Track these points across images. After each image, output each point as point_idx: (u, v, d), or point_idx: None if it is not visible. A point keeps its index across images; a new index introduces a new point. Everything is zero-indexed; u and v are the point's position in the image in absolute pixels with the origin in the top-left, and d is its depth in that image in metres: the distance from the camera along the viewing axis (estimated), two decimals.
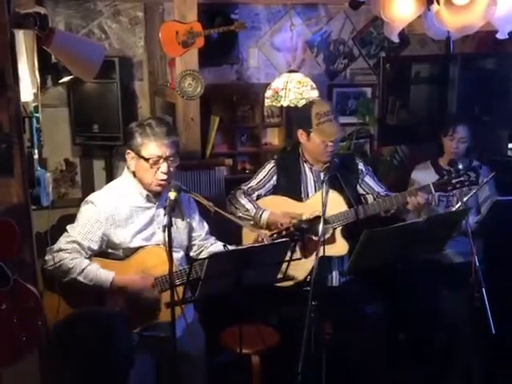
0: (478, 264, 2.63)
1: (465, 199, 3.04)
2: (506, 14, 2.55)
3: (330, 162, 2.89)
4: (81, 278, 2.37)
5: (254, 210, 2.90)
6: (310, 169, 2.97)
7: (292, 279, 2.80)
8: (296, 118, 3.19)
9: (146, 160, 2.40)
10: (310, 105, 3.01)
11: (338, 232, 2.84)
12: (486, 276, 2.63)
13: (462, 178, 2.76)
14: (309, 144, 2.91)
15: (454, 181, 2.77)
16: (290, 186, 2.97)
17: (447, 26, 2.64)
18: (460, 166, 2.82)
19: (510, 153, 4.61)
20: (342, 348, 2.91)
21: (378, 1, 2.81)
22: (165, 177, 2.43)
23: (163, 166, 2.41)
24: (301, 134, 2.94)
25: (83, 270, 2.38)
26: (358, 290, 3.02)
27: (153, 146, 2.40)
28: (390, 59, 4.46)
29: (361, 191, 2.99)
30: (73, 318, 1.57)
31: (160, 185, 2.45)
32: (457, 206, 3.02)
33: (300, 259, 2.71)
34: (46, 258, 2.41)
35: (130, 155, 2.47)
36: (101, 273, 2.39)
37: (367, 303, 3.06)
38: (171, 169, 2.45)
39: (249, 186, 3.02)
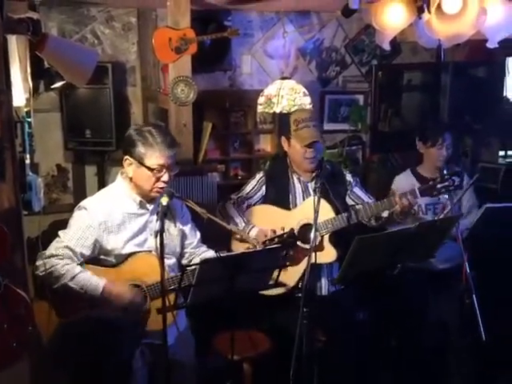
0: (468, 270, 2.64)
1: (449, 207, 3.06)
2: (496, 23, 2.58)
3: (319, 169, 2.89)
4: (72, 284, 2.35)
5: (243, 225, 2.91)
6: (299, 179, 2.99)
7: (284, 286, 2.81)
8: (280, 126, 3.23)
9: (150, 169, 2.41)
10: (291, 112, 3.09)
11: (326, 239, 2.85)
12: (476, 282, 2.65)
13: (446, 183, 2.78)
14: (290, 151, 2.95)
15: (439, 186, 2.79)
16: (278, 196, 2.98)
17: (438, 35, 2.66)
18: (444, 171, 2.84)
19: (500, 160, 4.65)
20: (334, 355, 2.91)
21: (370, 9, 2.84)
22: (165, 185, 2.45)
23: (165, 176, 2.42)
24: (283, 141, 2.98)
25: (75, 276, 2.36)
26: (349, 298, 3.02)
27: (157, 156, 2.40)
28: (382, 67, 4.49)
29: (350, 202, 3.00)
30: (79, 320, 1.54)
31: (159, 192, 2.46)
32: (445, 212, 3.04)
33: (291, 265, 2.72)
34: (38, 263, 2.39)
35: (129, 161, 2.46)
36: (92, 280, 2.37)
37: (358, 310, 3.06)
38: (171, 177, 2.47)
39: (239, 195, 3.04)
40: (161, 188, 2.45)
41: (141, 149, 2.40)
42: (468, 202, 3.32)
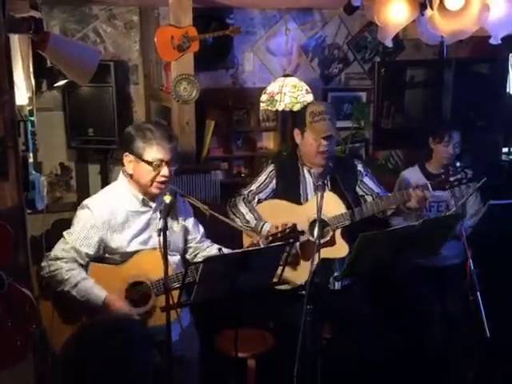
0: (472, 267, 2.64)
1: (458, 204, 3.06)
2: (499, 20, 2.56)
3: (325, 166, 2.89)
4: (73, 293, 2.36)
5: (255, 222, 2.89)
6: (309, 171, 2.97)
7: (287, 283, 2.81)
8: (293, 119, 3.20)
9: (149, 163, 2.41)
10: (306, 105, 3.06)
11: (337, 234, 2.84)
12: (480, 279, 2.64)
13: (459, 176, 2.76)
14: (303, 143, 2.92)
15: (451, 178, 2.77)
16: (289, 189, 2.96)
17: (440, 31, 2.65)
18: (458, 164, 2.83)
19: (504, 157, 4.65)
20: (339, 351, 2.91)
21: (373, 6, 2.83)
22: (165, 179, 2.44)
23: (165, 170, 2.42)
24: (297, 134, 2.95)
25: (77, 284, 2.36)
26: (358, 293, 3.01)
27: (156, 150, 2.40)
28: (385, 64, 4.48)
29: (360, 192, 3.00)
30: (92, 326, 1.52)
31: (159, 188, 2.45)
32: (452, 210, 3.04)
33: (294, 264, 2.72)
34: (43, 264, 2.40)
35: (128, 158, 2.46)
36: (93, 291, 2.37)
37: (366, 306, 3.05)
38: (171, 173, 2.46)
39: (249, 190, 3.02)
40: (161, 183, 2.44)
41: (139, 144, 2.41)
42: (473, 205, 3.30)
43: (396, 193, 2.89)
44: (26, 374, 2.15)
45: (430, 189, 2.79)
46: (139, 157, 2.41)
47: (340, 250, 2.84)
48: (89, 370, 1.36)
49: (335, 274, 2.94)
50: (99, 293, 2.38)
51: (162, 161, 2.40)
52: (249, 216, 2.91)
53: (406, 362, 3.19)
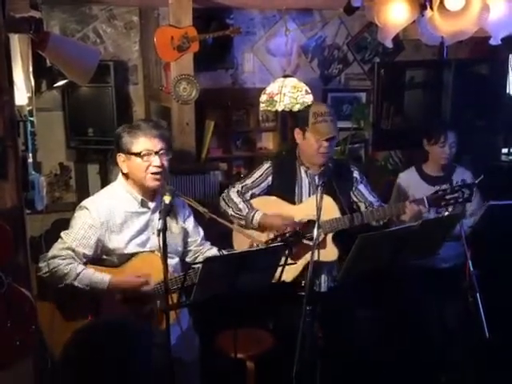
0: (472, 268, 2.64)
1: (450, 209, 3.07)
2: (499, 20, 2.56)
3: (324, 166, 2.89)
4: (76, 283, 2.35)
5: (247, 210, 2.90)
6: (306, 172, 2.97)
7: (287, 284, 2.80)
8: (295, 118, 3.25)
9: (138, 155, 2.40)
10: (309, 105, 3.10)
11: (329, 238, 2.85)
12: (479, 280, 2.64)
13: (456, 195, 2.80)
14: (304, 143, 2.92)
15: (448, 197, 2.80)
16: (284, 187, 2.97)
17: (440, 32, 2.65)
18: (454, 183, 2.86)
19: (503, 157, 4.65)
20: (335, 352, 2.91)
21: (373, 6, 2.83)
22: (159, 170, 2.42)
23: (155, 160, 2.41)
24: (297, 133, 2.95)
25: (78, 274, 2.36)
26: (348, 295, 3.01)
27: (142, 140, 2.41)
28: (385, 64, 4.48)
29: (353, 199, 3.00)
30: (93, 328, 1.52)
31: (155, 179, 2.44)
32: (450, 210, 3.04)
33: (295, 263, 2.71)
34: (40, 265, 2.39)
35: (121, 158, 2.47)
36: (96, 276, 2.38)
37: (358, 308, 3.05)
38: (164, 162, 2.45)
39: (243, 184, 3.02)
40: (156, 174, 2.43)
41: (126, 139, 2.43)
42: (473, 203, 3.30)
43: (392, 205, 2.92)
44: (25, 373, 2.15)
45: (426, 204, 2.81)
46: (128, 152, 2.42)
47: (330, 253, 2.85)
48: (90, 370, 1.37)
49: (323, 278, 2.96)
50: (103, 276, 2.37)
51: (150, 151, 2.41)
52: (242, 205, 2.92)
53: (406, 363, 3.19)
